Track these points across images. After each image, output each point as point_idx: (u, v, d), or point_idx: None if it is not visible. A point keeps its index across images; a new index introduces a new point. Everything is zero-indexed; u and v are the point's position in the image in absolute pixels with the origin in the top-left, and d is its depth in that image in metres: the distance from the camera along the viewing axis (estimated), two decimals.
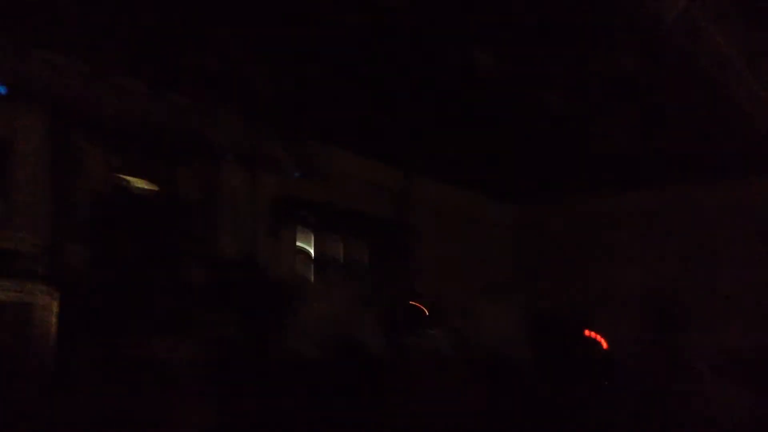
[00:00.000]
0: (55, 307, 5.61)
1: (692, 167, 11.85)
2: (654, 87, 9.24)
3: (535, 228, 14.71)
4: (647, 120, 10.26)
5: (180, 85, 9.30)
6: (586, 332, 12.03)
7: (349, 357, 6.64)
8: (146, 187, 6.90)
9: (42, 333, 5.44)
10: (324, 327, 8.33)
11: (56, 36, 7.76)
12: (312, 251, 11.30)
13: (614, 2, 7.38)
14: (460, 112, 10.22)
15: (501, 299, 11.68)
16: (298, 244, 11.30)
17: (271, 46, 8.76)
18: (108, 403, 5.08)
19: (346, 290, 8.97)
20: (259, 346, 8.57)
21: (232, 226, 10.30)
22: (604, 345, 11.41)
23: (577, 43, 8.42)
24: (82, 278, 6.70)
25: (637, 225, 13.08)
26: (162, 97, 9.30)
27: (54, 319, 5.55)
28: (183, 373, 5.78)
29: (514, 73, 9.48)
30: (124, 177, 6.87)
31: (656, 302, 11.05)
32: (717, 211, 12.14)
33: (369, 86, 9.50)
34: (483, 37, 8.60)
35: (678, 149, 11.00)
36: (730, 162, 11.32)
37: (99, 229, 6.82)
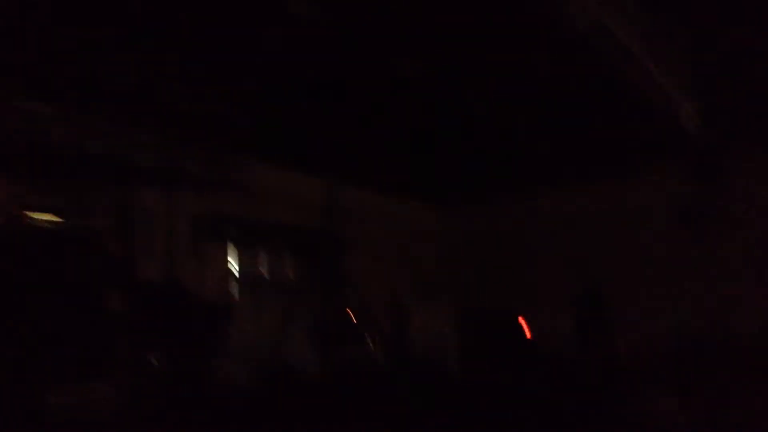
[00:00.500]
0: None
1: (610, 164, 12.14)
2: (569, 88, 9.41)
3: (460, 230, 14.84)
4: (565, 120, 10.45)
5: (90, 107, 8.93)
6: (520, 319, 12.24)
7: (279, 381, 6.47)
8: (51, 219, 6.52)
9: None
10: (253, 350, 8.14)
11: None
12: (237, 269, 11.03)
13: (528, 8, 7.49)
14: (382, 120, 10.18)
15: (430, 301, 11.75)
16: (224, 262, 11.03)
17: (188, 62, 8.52)
18: None
19: (274, 308, 8.77)
20: (186, 375, 8.32)
21: (151, 248, 9.96)
22: (528, 335, 11.62)
23: (495, 48, 8.51)
24: None
25: (560, 223, 13.34)
26: (70, 120, 8.90)
27: None
28: (100, 417, 5.51)
29: (434, 78, 9.51)
30: (27, 212, 6.47)
31: (583, 298, 11.31)
32: (638, 204, 12.47)
33: (289, 100, 9.35)
34: (403, 44, 8.60)
35: (595, 146, 11.24)
36: (646, 152, 11.62)
37: None
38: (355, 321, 10.09)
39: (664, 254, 11.85)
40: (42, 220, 6.42)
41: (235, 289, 8.30)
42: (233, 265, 11.08)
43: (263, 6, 7.18)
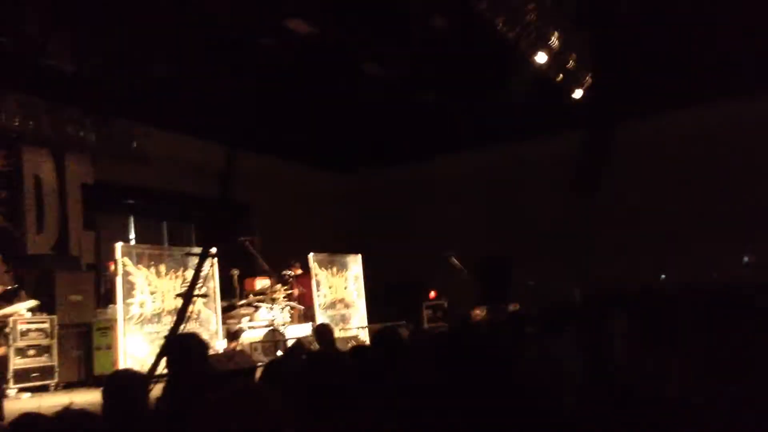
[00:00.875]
0: None
1: (506, 130, 12.44)
2: (463, 48, 9.59)
3: (361, 195, 14.95)
4: (461, 82, 10.63)
5: None
6: (432, 294, 12.51)
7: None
8: None
9: None
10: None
11: None
12: (133, 237, 10.77)
13: None
14: (280, 83, 10.05)
15: (337, 268, 11.81)
16: (120, 232, 10.73)
17: (72, 19, 8.12)
18: None
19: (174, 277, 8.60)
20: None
21: (42, 219, 9.56)
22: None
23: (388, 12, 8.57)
24: None
25: (455, 189, 13.68)
26: None
27: None
28: None
29: (331, 40, 9.48)
30: None
31: (483, 263, 11.60)
32: (529, 167, 12.95)
33: (181, 60, 9.08)
34: (297, 5, 8.53)
35: (491, 111, 11.46)
36: (541, 119, 11.97)
37: None
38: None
39: (555, 217, 12.36)
40: None
41: (131, 260, 8.08)
42: (129, 233, 10.82)
43: None
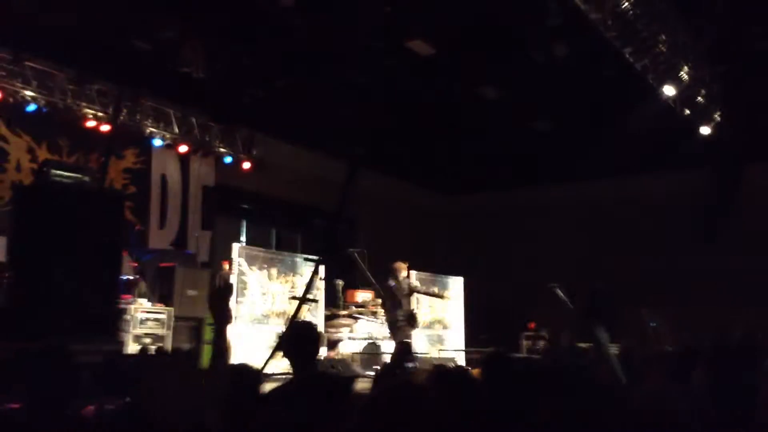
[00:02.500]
0: None
1: (629, 160, 12.09)
2: (590, 81, 9.42)
3: (467, 218, 14.86)
4: (586, 114, 10.44)
5: (107, 70, 9.02)
6: (531, 325, 12.27)
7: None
8: (73, 177, 6.59)
9: None
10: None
11: None
12: (244, 240, 11.16)
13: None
14: (402, 106, 10.21)
15: (438, 289, 11.79)
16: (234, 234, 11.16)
17: (205, 28, 8.57)
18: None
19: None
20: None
21: (163, 216, 10.08)
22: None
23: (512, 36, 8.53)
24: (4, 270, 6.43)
25: (563, 218, 13.41)
26: (87, 84, 8.99)
27: None
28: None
29: (453, 64, 9.54)
30: (51, 168, 6.55)
31: (591, 290, 11.25)
32: (653, 202, 12.57)
33: (312, 76, 9.38)
34: (419, 26, 8.64)
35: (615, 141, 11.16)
36: (666, 152, 11.55)
37: (22, 222, 6.51)
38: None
39: (676, 255, 11.83)
40: (68, 177, 6.50)
41: (245, 261, 8.41)
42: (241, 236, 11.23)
43: None
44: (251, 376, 3.52)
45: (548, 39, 8.54)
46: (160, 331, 8.01)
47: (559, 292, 10.86)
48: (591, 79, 9.41)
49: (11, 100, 8.28)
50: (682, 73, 9.02)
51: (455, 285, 12.14)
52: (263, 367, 5.57)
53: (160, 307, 8.23)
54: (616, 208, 13.04)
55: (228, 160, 10.72)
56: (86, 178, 6.71)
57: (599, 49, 8.43)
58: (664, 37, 8.30)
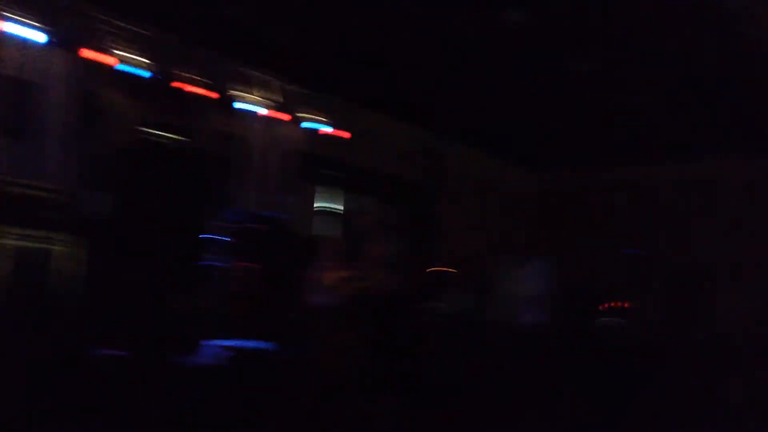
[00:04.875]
0: (74, 254, 5.71)
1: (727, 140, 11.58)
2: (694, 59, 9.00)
3: (557, 195, 14.56)
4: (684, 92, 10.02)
5: (207, 38, 9.28)
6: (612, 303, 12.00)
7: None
8: (170, 138, 6.88)
9: (59, 280, 5.57)
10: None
11: None
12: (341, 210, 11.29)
13: None
14: (488, 78, 10.07)
15: (525, 264, 11.69)
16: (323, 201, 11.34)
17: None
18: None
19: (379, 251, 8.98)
20: (282, 298, 8.69)
21: (257, 180, 10.34)
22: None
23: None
24: (106, 228, 6.79)
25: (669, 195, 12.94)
26: (190, 49, 9.28)
27: (73, 266, 5.66)
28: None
29: (541, 34, 9.29)
30: (148, 128, 6.86)
31: (680, 272, 10.91)
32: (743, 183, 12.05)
33: (400, 48, 9.38)
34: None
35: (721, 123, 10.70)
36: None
37: (122, 180, 6.87)
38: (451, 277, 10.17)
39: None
40: (167, 137, 6.79)
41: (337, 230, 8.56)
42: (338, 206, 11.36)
43: None
44: None
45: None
46: (250, 291, 8.29)
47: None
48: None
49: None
50: None
51: (538, 264, 12.02)
52: None
53: (250, 267, 8.49)
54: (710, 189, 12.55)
55: (322, 128, 10.85)
56: (185, 140, 6.97)
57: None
58: None
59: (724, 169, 12.33)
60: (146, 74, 8.70)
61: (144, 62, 8.79)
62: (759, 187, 11.85)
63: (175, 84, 9.08)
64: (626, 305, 11.36)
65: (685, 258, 11.37)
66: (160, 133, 6.85)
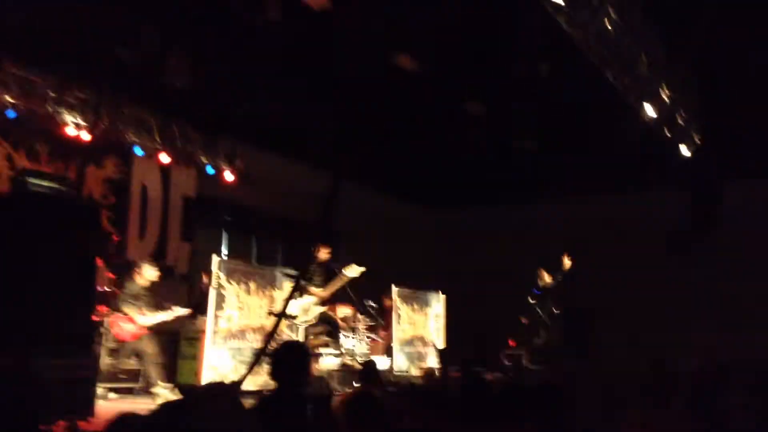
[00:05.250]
0: None
1: (607, 180, 12.19)
2: (574, 103, 9.49)
3: (451, 234, 14.91)
4: (567, 134, 10.50)
5: (87, 77, 8.93)
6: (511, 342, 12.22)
7: None
8: (51, 186, 6.47)
9: None
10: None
11: None
12: (225, 253, 11.06)
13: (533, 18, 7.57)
14: (386, 120, 10.20)
15: (418, 304, 11.75)
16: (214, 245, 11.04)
17: (189, 38, 8.53)
18: None
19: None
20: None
21: (143, 228, 9.98)
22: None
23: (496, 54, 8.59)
24: None
25: (546, 235, 13.50)
26: (66, 91, 8.87)
27: None
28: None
29: (437, 79, 9.55)
30: (28, 177, 6.41)
31: (572, 312, 11.28)
32: (629, 224, 12.70)
33: (295, 89, 9.37)
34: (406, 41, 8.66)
35: (594, 162, 11.24)
36: (643, 172, 11.66)
37: None
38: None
39: (650, 276, 11.97)
40: (43, 186, 6.36)
41: (224, 274, 8.30)
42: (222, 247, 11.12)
43: None
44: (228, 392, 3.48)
45: (532, 58, 8.62)
46: (135, 345, 7.87)
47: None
48: (573, 100, 9.50)
49: None
50: (662, 94, 9.11)
51: (436, 301, 12.11)
52: (239, 384, 5.48)
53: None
54: (593, 228, 13.13)
55: (210, 170, 10.62)
56: (64, 188, 6.59)
57: (580, 70, 8.51)
58: (644, 57, 8.38)
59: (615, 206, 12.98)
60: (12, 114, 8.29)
61: (21, 104, 8.35)
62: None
63: (56, 127, 8.69)
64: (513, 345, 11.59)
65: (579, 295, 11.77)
66: (38, 180, 6.41)
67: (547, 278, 10.91)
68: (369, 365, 7.33)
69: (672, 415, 3.69)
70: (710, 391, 3.87)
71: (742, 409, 3.59)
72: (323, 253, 9.04)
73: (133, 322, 7.62)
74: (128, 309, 7.65)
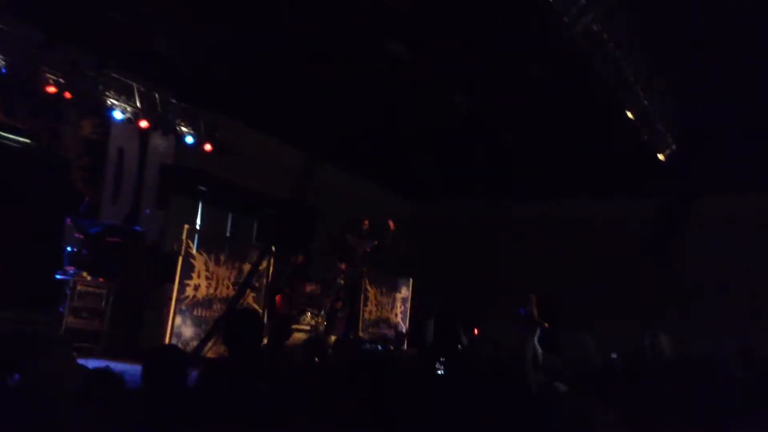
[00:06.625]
0: None
1: (585, 181, 12.31)
2: (556, 97, 9.54)
3: (431, 224, 14.98)
4: (551, 132, 10.58)
5: (76, 37, 8.84)
6: (475, 331, 12.34)
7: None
8: (22, 141, 6.45)
9: None
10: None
11: None
12: (198, 223, 11.06)
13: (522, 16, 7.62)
14: (369, 100, 10.19)
15: (387, 288, 11.83)
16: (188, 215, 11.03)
17: (180, 6, 8.46)
18: None
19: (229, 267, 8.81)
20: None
21: (118, 191, 9.94)
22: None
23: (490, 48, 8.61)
24: None
25: (521, 232, 13.65)
26: (56, 49, 8.80)
27: None
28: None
29: (429, 69, 9.54)
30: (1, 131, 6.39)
31: (543, 304, 11.41)
32: (592, 222, 12.88)
33: (280, 64, 9.32)
34: (399, 29, 8.66)
35: (575, 163, 11.35)
36: (620, 174, 11.77)
37: None
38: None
39: (624, 275, 12.14)
40: (13, 140, 6.34)
41: (194, 243, 8.32)
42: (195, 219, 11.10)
43: None
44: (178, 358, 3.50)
45: (525, 55, 8.65)
46: (98, 307, 7.89)
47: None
48: (562, 99, 9.54)
49: None
50: (642, 99, 9.22)
51: (405, 286, 12.23)
52: (197, 351, 5.53)
53: (100, 282, 8.10)
54: (570, 228, 13.28)
55: (189, 140, 10.59)
56: (35, 144, 6.57)
57: (570, 70, 8.59)
58: (626, 62, 8.47)
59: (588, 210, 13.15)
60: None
61: (3, 59, 8.23)
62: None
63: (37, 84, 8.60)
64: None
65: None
66: (7, 135, 6.38)
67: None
68: None
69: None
70: None
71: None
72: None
73: None
74: None
